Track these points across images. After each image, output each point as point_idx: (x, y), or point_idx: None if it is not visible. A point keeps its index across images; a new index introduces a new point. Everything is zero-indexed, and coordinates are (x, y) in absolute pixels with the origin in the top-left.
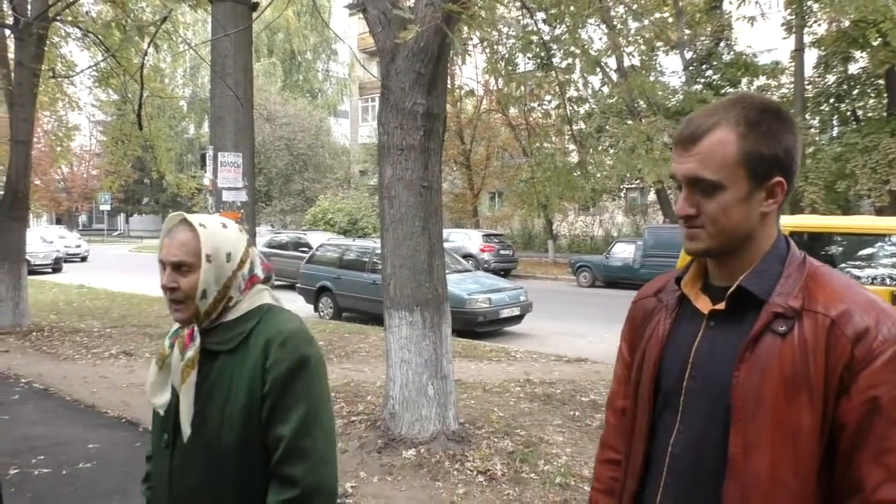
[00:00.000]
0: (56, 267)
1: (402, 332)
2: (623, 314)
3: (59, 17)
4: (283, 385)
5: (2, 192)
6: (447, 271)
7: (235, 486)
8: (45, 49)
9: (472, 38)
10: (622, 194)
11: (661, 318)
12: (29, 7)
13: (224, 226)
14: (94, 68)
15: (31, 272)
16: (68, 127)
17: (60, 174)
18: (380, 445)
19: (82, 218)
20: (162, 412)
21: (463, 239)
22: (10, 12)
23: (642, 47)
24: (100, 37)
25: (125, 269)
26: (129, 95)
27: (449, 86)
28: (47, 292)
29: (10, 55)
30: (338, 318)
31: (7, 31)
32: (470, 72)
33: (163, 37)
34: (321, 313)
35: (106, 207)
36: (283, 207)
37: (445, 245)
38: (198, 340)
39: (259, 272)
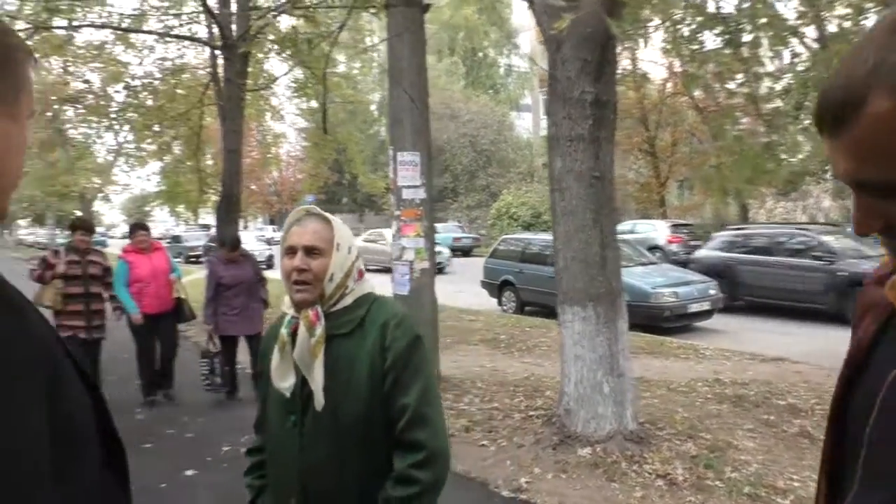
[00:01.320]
0: (269, 264)
1: (574, 328)
2: None
3: (259, 35)
4: (404, 360)
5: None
6: (630, 264)
7: (360, 457)
8: (249, 65)
9: (650, 20)
10: (827, 176)
11: (869, 322)
12: (234, 28)
13: (343, 223)
14: (293, 80)
15: None
16: (275, 135)
17: (271, 179)
18: (555, 442)
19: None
20: (287, 394)
21: (649, 230)
22: (218, 34)
23: (847, 11)
24: (291, 50)
25: None
26: (317, 104)
27: (628, 70)
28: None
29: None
30: (520, 312)
31: (216, 52)
32: (651, 54)
33: (350, 45)
34: (504, 307)
35: None
36: (469, 203)
37: (630, 237)
38: (323, 319)
39: (363, 268)
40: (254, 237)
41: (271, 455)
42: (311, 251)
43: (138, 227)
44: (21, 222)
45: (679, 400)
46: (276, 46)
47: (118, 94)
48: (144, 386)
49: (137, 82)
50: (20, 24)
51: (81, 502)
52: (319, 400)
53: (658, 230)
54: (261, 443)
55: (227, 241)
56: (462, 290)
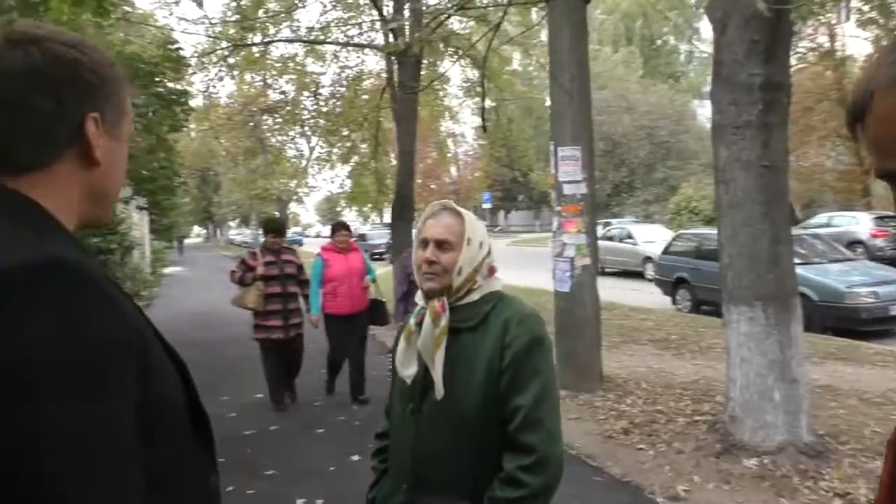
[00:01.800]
0: None
1: (740, 329)
2: None
3: (430, 39)
4: (522, 359)
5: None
6: (822, 261)
7: (473, 452)
8: (423, 69)
9: None
10: None
11: None
12: (406, 33)
13: (478, 219)
14: (464, 80)
15: None
16: (450, 135)
17: (450, 178)
18: (718, 450)
19: None
20: (409, 382)
21: (849, 223)
22: (391, 40)
23: None
24: (461, 50)
25: (502, 263)
26: (493, 102)
27: (821, 47)
28: None
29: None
30: (696, 311)
31: (392, 57)
32: (849, 29)
33: (522, 41)
34: (678, 306)
35: (487, 205)
36: (646, 198)
37: (824, 231)
38: (448, 311)
39: (495, 265)
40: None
41: (392, 440)
42: (441, 244)
43: (340, 227)
44: (231, 223)
45: (871, 412)
46: (445, 48)
47: (309, 101)
48: (329, 379)
49: (326, 91)
50: (223, 43)
51: (172, 466)
52: (439, 389)
53: (860, 223)
54: (387, 428)
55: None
56: (637, 289)
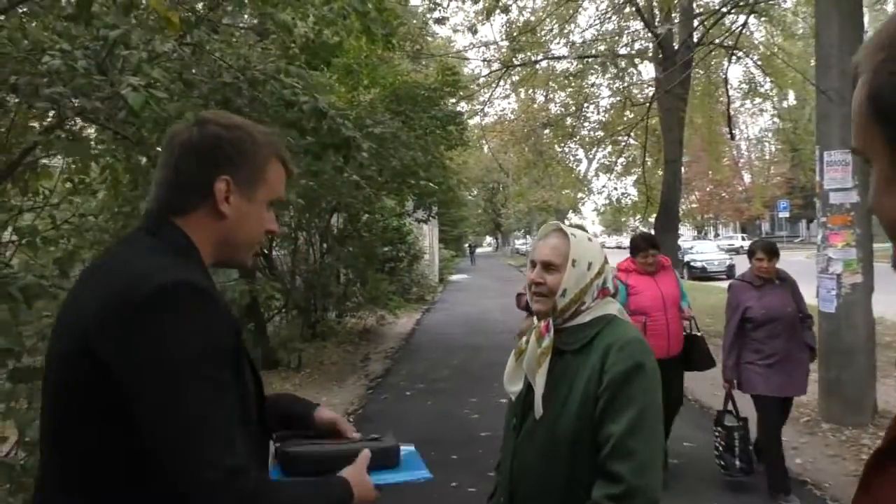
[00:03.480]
0: (730, 274)
1: None
2: None
3: (703, 41)
4: (618, 386)
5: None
6: None
7: (564, 474)
8: (691, 73)
9: None
10: None
11: None
12: (675, 37)
13: (590, 239)
14: (744, 81)
15: (708, 278)
16: (725, 140)
17: (742, 185)
18: None
19: (764, 225)
20: (513, 398)
21: None
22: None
23: None
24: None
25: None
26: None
27: None
28: (712, 297)
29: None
30: None
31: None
32: None
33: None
34: None
35: (784, 214)
36: None
37: None
38: (552, 332)
39: (610, 286)
40: (715, 246)
41: (502, 453)
42: (547, 266)
43: (645, 243)
44: (517, 233)
45: None
46: (723, 49)
47: (586, 112)
48: None
49: (605, 102)
50: (494, 65)
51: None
52: (538, 408)
53: None
54: None
55: (762, 248)
56: None
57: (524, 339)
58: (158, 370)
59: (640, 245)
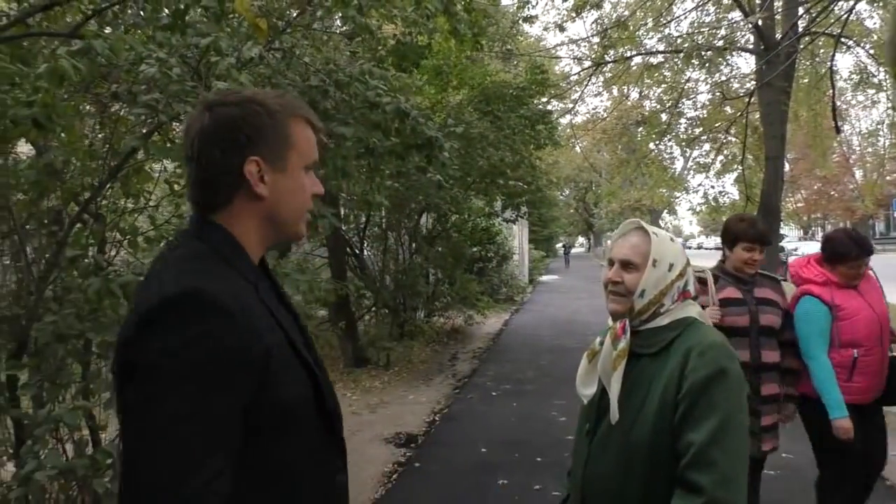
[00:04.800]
0: None
1: None
2: None
3: (808, 30)
4: (699, 393)
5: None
6: None
7: (640, 482)
8: (796, 64)
9: None
10: None
11: None
12: (777, 28)
13: (672, 239)
14: (855, 72)
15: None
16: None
17: (853, 182)
18: None
19: (879, 225)
20: (586, 402)
21: None
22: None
23: None
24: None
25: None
26: None
27: None
28: None
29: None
30: None
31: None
32: None
33: None
34: None
35: None
36: None
37: None
38: (628, 334)
39: (691, 289)
40: (816, 247)
41: (573, 459)
42: (626, 264)
43: (857, 246)
44: (609, 233)
45: None
46: (830, 38)
47: (682, 108)
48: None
49: (703, 98)
50: (586, 63)
51: (295, 463)
52: (614, 413)
53: None
54: None
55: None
56: None
57: (598, 339)
58: (139, 380)
59: (848, 249)
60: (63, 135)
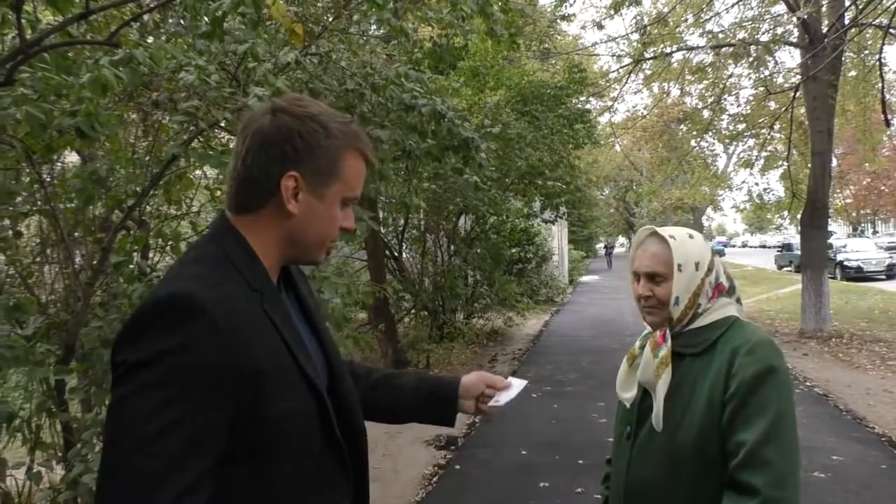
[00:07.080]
0: (890, 274)
1: None
2: None
3: (855, 22)
4: (748, 392)
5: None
6: None
7: (686, 486)
8: (843, 57)
9: None
10: None
11: None
12: (824, 21)
13: (690, 236)
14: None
15: (864, 279)
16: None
17: None
18: None
19: None
20: (628, 405)
21: None
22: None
23: None
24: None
25: None
26: None
27: None
28: (868, 299)
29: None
30: None
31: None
32: None
33: None
34: None
35: None
36: None
37: None
38: (669, 341)
39: (724, 281)
40: (873, 244)
41: (612, 466)
42: (652, 277)
43: None
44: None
45: None
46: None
47: (726, 104)
48: None
49: (746, 93)
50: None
51: (291, 485)
52: (658, 420)
53: None
54: None
55: None
56: None
57: (637, 343)
58: (115, 381)
59: None
60: (107, 143)
